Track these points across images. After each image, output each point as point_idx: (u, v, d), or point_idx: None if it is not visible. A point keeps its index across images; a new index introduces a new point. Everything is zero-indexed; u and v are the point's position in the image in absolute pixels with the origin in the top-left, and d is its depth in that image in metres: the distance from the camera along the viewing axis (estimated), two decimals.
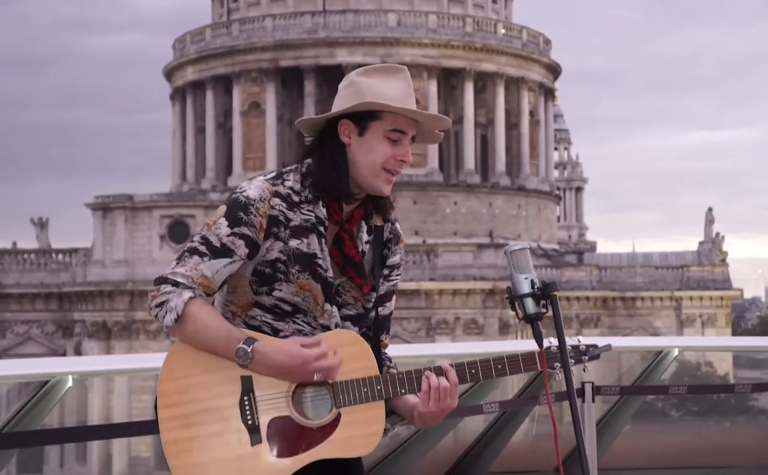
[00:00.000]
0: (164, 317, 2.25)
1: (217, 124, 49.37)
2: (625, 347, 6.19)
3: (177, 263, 2.28)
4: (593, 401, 4.64)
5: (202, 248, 2.27)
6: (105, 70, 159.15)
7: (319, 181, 2.30)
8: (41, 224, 43.36)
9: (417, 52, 46.18)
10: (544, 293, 2.13)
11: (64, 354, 37.20)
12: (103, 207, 38.38)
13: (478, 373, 2.23)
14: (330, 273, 2.30)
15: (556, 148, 71.19)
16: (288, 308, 2.29)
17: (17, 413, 3.56)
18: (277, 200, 2.29)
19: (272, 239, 2.28)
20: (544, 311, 2.15)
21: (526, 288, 2.15)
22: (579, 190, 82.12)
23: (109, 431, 4.94)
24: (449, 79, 48.03)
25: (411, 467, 5.71)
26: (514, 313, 2.15)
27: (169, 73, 52.19)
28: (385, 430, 2.33)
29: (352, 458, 2.30)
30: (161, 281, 2.27)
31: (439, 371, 2.26)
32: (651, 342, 6.38)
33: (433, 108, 42.20)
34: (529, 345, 2.27)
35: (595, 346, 2.30)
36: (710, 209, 46.27)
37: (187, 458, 2.22)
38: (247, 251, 2.27)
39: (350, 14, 46.49)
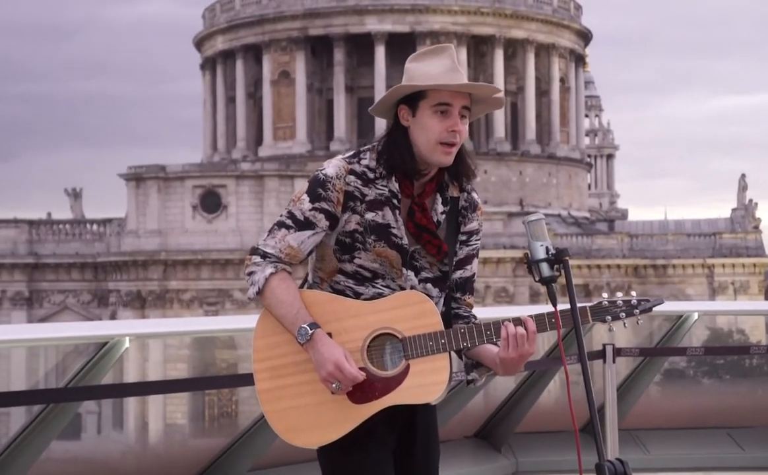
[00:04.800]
0: (249, 287, 2.57)
1: (247, 93, 49.63)
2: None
3: (267, 235, 2.59)
4: (614, 362, 4.83)
5: (288, 222, 2.57)
6: (132, 39, 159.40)
7: (388, 161, 2.57)
8: (75, 195, 43.94)
9: (447, 20, 46.08)
10: (558, 258, 2.37)
11: None
12: (136, 177, 38.81)
13: (546, 324, 2.47)
14: (405, 241, 2.58)
15: (586, 115, 70.79)
16: (368, 274, 2.57)
17: (79, 371, 3.85)
18: (352, 177, 2.56)
19: (349, 212, 2.56)
20: (557, 274, 2.40)
21: (541, 254, 2.39)
22: (610, 157, 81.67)
23: (166, 386, 5.23)
24: (479, 47, 47.92)
25: (441, 427, 5.93)
26: (531, 276, 2.39)
27: (199, 43, 52.46)
28: (473, 380, 2.63)
29: (423, 405, 2.59)
30: (253, 251, 2.59)
31: (518, 321, 2.49)
32: (673, 307, 6.55)
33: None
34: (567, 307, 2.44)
35: (647, 300, 2.51)
36: (743, 176, 45.99)
37: (278, 404, 2.55)
38: (327, 223, 2.56)
39: None
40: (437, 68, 2.53)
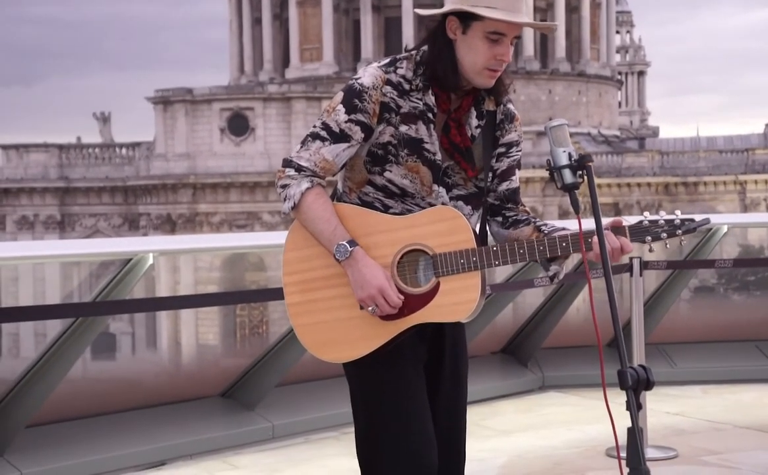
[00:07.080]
0: (284, 201, 2.52)
1: (273, 15, 49.23)
2: None
3: (301, 147, 2.52)
4: (641, 275, 4.80)
5: (323, 133, 2.49)
6: None
7: (429, 72, 2.48)
8: (104, 119, 44.11)
9: None
10: (580, 163, 2.32)
11: None
12: (164, 101, 38.82)
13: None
14: (438, 156, 2.51)
15: (617, 32, 69.71)
16: (396, 190, 2.52)
17: (105, 286, 3.90)
18: (388, 88, 2.48)
19: (384, 123, 2.48)
20: (580, 180, 2.34)
21: (564, 160, 2.34)
22: (641, 74, 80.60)
23: (195, 300, 5.28)
24: None
25: (468, 343, 5.96)
26: (553, 182, 2.34)
27: None
28: (556, 274, 2.55)
29: (452, 324, 2.57)
30: (287, 164, 2.52)
31: (616, 231, 2.38)
32: None
33: None
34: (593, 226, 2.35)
35: (691, 219, 2.40)
36: None
37: (307, 318, 2.52)
38: (363, 135, 2.49)
39: None
40: None
